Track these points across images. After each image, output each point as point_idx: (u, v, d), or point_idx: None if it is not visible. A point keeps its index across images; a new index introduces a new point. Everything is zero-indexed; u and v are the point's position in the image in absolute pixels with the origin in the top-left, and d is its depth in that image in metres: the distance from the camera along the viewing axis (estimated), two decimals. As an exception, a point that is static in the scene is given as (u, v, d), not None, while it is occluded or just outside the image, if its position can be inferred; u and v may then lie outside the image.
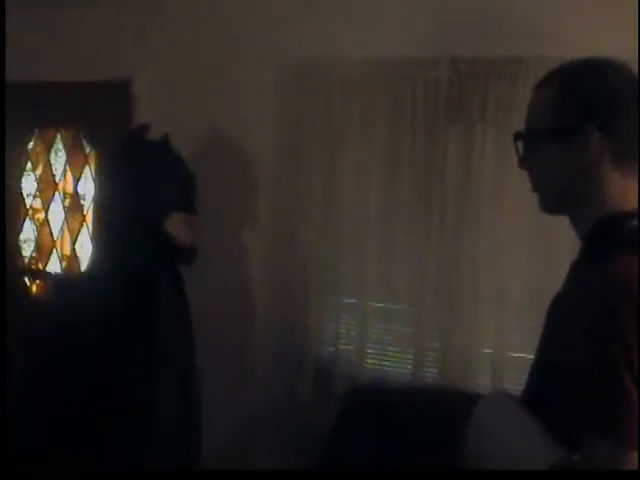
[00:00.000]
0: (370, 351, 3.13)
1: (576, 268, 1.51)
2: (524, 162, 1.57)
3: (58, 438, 2.20)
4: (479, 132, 2.85)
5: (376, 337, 3.13)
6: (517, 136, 1.58)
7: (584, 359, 1.26)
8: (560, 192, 1.51)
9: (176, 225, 2.38)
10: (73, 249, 3.93)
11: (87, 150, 3.86)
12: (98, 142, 3.79)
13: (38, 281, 4.08)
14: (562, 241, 2.50)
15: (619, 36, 2.46)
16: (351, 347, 3.13)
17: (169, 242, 2.37)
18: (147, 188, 2.35)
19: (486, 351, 2.91)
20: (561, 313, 1.44)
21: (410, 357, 3.06)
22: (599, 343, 1.25)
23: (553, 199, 1.54)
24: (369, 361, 3.13)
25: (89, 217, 3.85)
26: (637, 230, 1.42)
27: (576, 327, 1.31)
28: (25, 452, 2.24)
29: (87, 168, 3.87)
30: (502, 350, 2.85)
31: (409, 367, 3.06)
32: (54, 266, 4.02)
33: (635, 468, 1.20)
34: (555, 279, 2.38)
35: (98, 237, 2.47)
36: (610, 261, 1.33)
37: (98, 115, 3.70)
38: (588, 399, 1.25)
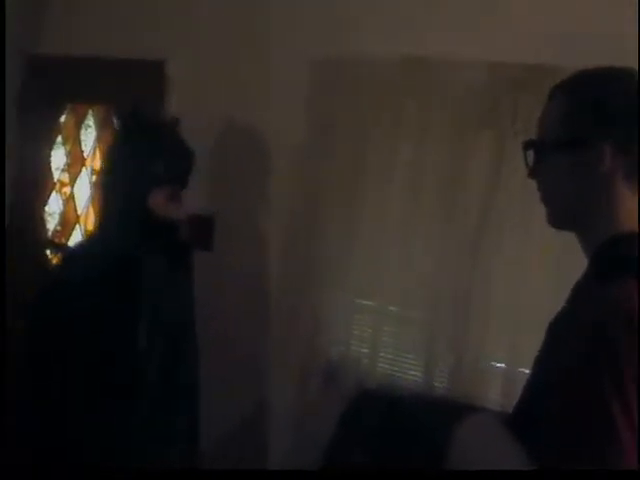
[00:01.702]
0: (382, 355, 3.07)
1: (579, 287, 1.44)
2: (534, 172, 1.49)
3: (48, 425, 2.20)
4: (509, 142, 2.77)
5: (389, 341, 3.07)
6: (527, 145, 1.50)
7: (575, 387, 1.20)
8: (569, 206, 1.43)
9: (158, 200, 2.33)
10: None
11: (117, 128, 3.83)
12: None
13: (60, 254, 4.07)
14: (582, 259, 2.44)
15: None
16: (364, 349, 3.08)
17: (152, 218, 2.33)
18: (134, 164, 2.33)
19: (498, 365, 2.84)
20: (558, 333, 1.37)
21: (421, 365, 2.99)
22: (592, 373, 1.17)
23: (561, 213, 1.46)
24: (380, 365, 3.07)
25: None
26: None
27: (571, 351, 1.24)
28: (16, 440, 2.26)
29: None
30: (514, 366, 2.78)
31: (419, 375, 3.00)
32: (77, 241, 4.01)
33: None
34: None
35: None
36: (614, 285, 1.26)
37: (130, 94, 3.68)
38: (574, 429, 1.18)
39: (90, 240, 2.47)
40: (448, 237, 2.90)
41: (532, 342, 2.67)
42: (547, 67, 2.63)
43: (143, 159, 2.33)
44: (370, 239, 3.04)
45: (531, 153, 1.50)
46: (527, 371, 2.63)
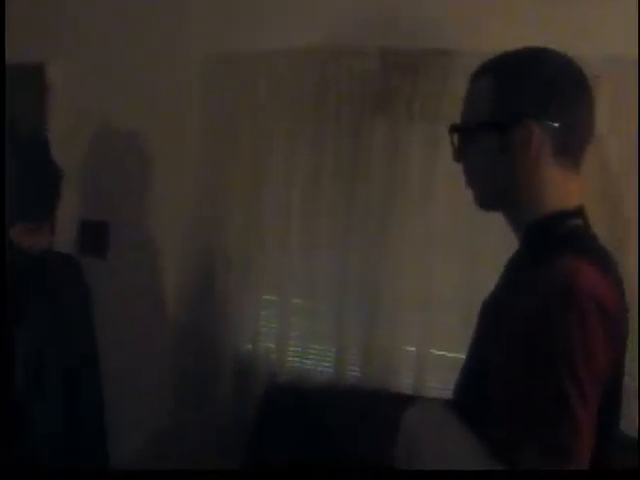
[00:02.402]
0: (291, 349, 3.03)
1: (513, 268, 1.44)
2: (459, 155, 1.49)
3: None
4: (405, 127, 2.79)
5: (297, 335, 3.03)
6: (453, 128, 1.50)
7: (528, 375, 1.19)
8: (497, 187, 1.43)
9: (20, 234, 2.25)
10: None
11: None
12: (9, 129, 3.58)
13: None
14: (489, 236, 2.49)
15: (553, 30, 2.43)
16: (272, 345, 3.04)
17: (18, 252, 2.24)
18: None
19: (409, 349, 2.86)
20: (498, 317, 1.35)
21: (331, 355, 2.98)
22: (544, 362, 1.17)
23: (489, 195, 1.47)
24: (289, 359, 3.03)
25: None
26: (581, 229, 1.36)
27: (517, 339, 1.23)
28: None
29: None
30: (426, 348, 2.80)
31: (330, 365, 2.98)
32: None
33: None
34: (481, 276, 2.38)
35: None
36: (553, 264, 1.24)
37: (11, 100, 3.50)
38: (532, 417, 1.17)
39: None
40: (351, 224, 2.88)
41: (441, 323, 2.75)
42: (439, 51, 2.68)
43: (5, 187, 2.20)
44: (272, 233, 3.00)
45: (456, 137, 1.49)
46: (438, 353, 2.74)
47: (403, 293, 2.83)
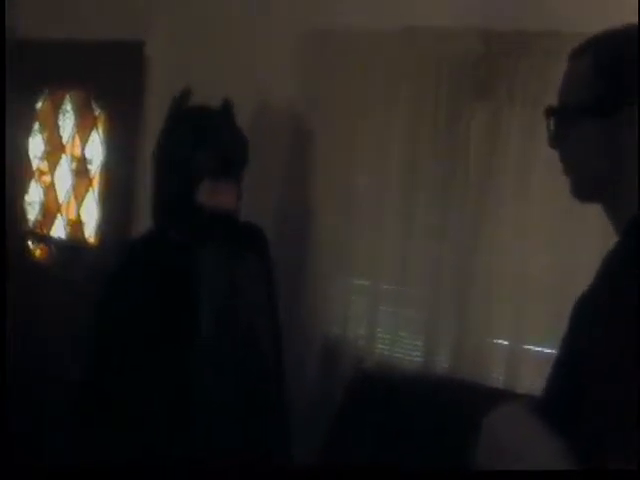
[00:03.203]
0: (380, 336, 2.99)
1: (610, 267, 1.33)
2: (556, 141, 1.37)
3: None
4: (506, 112, 2.68)
5: (387, 321, 2.98)
6: (549, 111, 1.38)
7: (619, 377, 1.09)
8: (596, 177, 1.32)
9: (206, 193, 2.28)
10: (78, 214, 3.81)
11: (96, 113, 3.72)
12: (108, 105, 3.66)
13: (42, 245, 3.96)
14: (587, 228, 2.38)
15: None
16: (361, 331, 3.00)
17: (198, 211, 2.28)
18: (181, 155, 2.29)
19: (502, 342, 2.77)
20: (592, 317, 1.25)
21: (421, 345, 2.91)
22: (637, 364, 1.06)
23: (587, 184, 1.35)
24: (378, 346, 2.98)
25: (96, 182, 3.72)
26: None
27: (613, 339, 1.13)
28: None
29: (95, 132, 3.73)
30: (518, 342, 2.70)
31: (420, 354, 2.92)
32: (59, 231, 3.90)
33: None
34: (576, 270, 2.26)
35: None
36: None
37: (109, 77, 3.56)
38: (619, 421, 1.07)
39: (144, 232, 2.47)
40: (447, 211, 2.81)
41: (535, 318, 2.65)
42: (543, 33, 2.56)
43: (189, 148, 2.28)
44: (367, 216, 2.95)
45: (553, 121, 1.39)
46: (532, 348, 2.64)
47: (497, 284, 2.73)
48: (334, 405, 2.84)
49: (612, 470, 1.06)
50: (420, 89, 2.82)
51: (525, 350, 2.69)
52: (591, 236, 2.36)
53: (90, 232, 3.76)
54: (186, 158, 2.27)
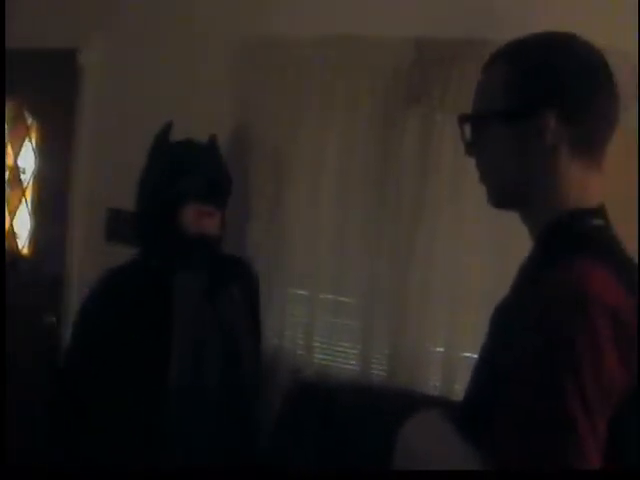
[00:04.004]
0: (317, 345, 2.98)
1: (525, 271, 1.33)
2: (471, 148, 1.37)
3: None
4: (439, 119, 2.70)
5: (324, 330, 2.98)
6: (463, 119, 1.38)
7: (531, 387, 1.09)
8: (511, 184, 1.32)
9: (189, 217, 2.29)
10: (12, 225, 3.72)
11: (29, 122, 3.64)
12: (41, 114, 3.59)
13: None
14: (519, 235, 2.37)
15: (590, 17, 2.32)
16: (298, 340, 2.98)
17: (182, 235, 2.31)
18: (163, 179, 2.32)
19: (437, 350, 2.77)
20: (505, 321, 1.25)
21: (358, 353, 2.91)
22: (550, 374, 1.07)
23: (503, 192, 1.35)
24: (316, 355, 2.97)
25: (29, 192, 3.64)
26: (600, 230, 1.26)
27: (523, 346, 1.12)
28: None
29: (28, 141, 3.65)
30: (454, 349, 2.71)
31: (357, 363, 2.91)
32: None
33: None
34: (511, 278, 2.27)
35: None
36: (565, 267, 1.14)
37: (42, 86, 3.50)
38: (532, 430, 1.07)
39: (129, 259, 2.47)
40: (382, 220, 2.81)
41: (471, 325, 2.66)
42: (475, 41, 2.57)
43: (174, 175, 2.31)
44: (303, 226, 2.93)
45: (468, 129, 1.38)
46: (467, 354, 2.65)
47: (433, 292, 2.74)
48: (273, 414, 2.81)
49: (612, 470, 1.06)
50: (355, 97, 2.81)
51: (461, 357, 2.69)
52: (525, 243, 2.37)
53: (24, 243, 3.68)
54: (170, 185, 2.30)
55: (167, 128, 2.45)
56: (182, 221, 2.29)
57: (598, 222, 1.25)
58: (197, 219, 2.31)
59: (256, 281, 2.61)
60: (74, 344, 2.36)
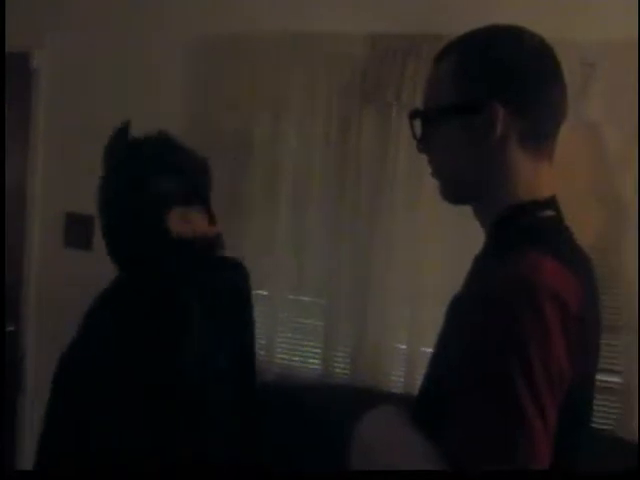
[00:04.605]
0: (280, 345, 2.98)
1: (477, 263, 1.32)
2: (422, 145, 1.35)
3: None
4: (394, 116, 2.70)
5: (286, 331, 2.98)
6: (413, 115, 1.36)
7: (479, 375, 1.08)
8: (462, 178, 1.30)
9: (175, 220, 2.08)
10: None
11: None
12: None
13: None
14: (479, 230, 2.39)
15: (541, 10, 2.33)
16: (260, 340, 2.96)
17: (171, 240, 2.08)
18: (141, 186, 2.09)
19: (400, 346, 2.77)
20: (457, 314, 1.25)
21: (320, 352, 2.90)
22: (496, 361, 1.06)
23: (454, 186, 1.33)
24: (278, 356, 2.96)
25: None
26: (551, 221, 1.25)
27: (470, 335, 1.12)
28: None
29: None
30: (416, 345, 2.71)
31: (319, 362, 2.90)
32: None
33: None
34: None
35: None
36: (513, 257, 1.13)
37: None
38: (480, 422, 1.06)
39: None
40: (341, 217, 2.80)
41: (432, 320, 2.64)
42: (427, 36, 2.58)
43: (145, 179, 2.09)
44: (261, 226, 2.91)
45: (419, 125, 1.36)
46: (429, 350, 2.64)
47: (393, 289, 2.74)
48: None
49: (612, 470, 1.05)
50: (309, 94, 2.81)
51: (423, 352, 2.69)
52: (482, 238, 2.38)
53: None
54: (152, 188, 2.08)
55: (125, 126, 2.22)
56: (171, 225, 2.09)
57: (549, 213, 1.25)
58: (179, 221, 2.10)
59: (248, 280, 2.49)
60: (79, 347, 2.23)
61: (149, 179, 2.10)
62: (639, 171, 2.39)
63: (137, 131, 2.53)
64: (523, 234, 1.21)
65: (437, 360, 1.31)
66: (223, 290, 2.27)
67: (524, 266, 1.11)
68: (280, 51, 2.82)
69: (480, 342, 1.09)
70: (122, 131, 2.25)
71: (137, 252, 2.14)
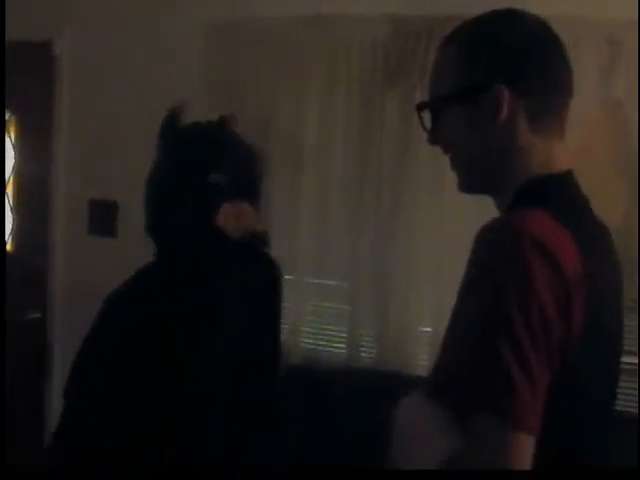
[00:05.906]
0: (304, 330, 2.97)
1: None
2: (433, 137, 1.34)
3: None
4: (418, 97, 2.67)
5: (311, 315, 2.98)
6: (421, 106, 1.35)
7: (469, 336, 1.10)
8: (474, 165, 1.29)
9: (225, 216, 1.99)
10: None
11: (7, 117, 3.60)
12: (18, 108, 3.55)
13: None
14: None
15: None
16: (284, 325, 2.96)
17: (219, 237, 2.08)
18: (189, 179, 2.01)
19: (425, 329, 2.77)
20: (463, 288, 1.23)
21: (345, 336, 2.90)
22: (481, 314, 1.08)
23: (470, 176, 1.32)
24: (303, 340, 2.97)
25: (9, 188, 3.61)
26: (563, 190, 1.24)
27: (466, 298, 1.16)
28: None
29: (7, 135, 3.61)
30: (441, 328, 2.69)
31: (344, 346, 2.91)
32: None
33: (526, 451, 1.03)
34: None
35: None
36: (511, 214, 1.17)
37: (18, 79, 3.45)
38: (471, 378, 1.08)
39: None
40: (364, 202, 2.80)
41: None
42: (449, 17, 2.55)
43: (197, 172, 2.00)
44: (284, 211, 2.91)
45: (428, 116, 1.34)
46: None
47: (417, 272, 2.73)
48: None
49: (612, 470, 1.04)
50: (331, 77, 2.80)
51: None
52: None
53: (6, 238, 3.65)
54: (201, 182, 1.99)
55: (174, 113, 2.08)
56: (219, 221, 2.00)
57: (563, 184, 1.24)
58: (229, 218, 2.00)
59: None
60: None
61: (208, 165, 2.05)
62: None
63: (155, 116, 2.54)
64: (531, 199, 1.21)
65: (448, 331, 1.30)
66: (255, 283, 2.25)
67: (516, 216, 1.15)
68: (300, 35, 2.81)
69: (466, 284, 1.16)
70: (172, 116, 2.17)
71: (180, 235, 2.12)
